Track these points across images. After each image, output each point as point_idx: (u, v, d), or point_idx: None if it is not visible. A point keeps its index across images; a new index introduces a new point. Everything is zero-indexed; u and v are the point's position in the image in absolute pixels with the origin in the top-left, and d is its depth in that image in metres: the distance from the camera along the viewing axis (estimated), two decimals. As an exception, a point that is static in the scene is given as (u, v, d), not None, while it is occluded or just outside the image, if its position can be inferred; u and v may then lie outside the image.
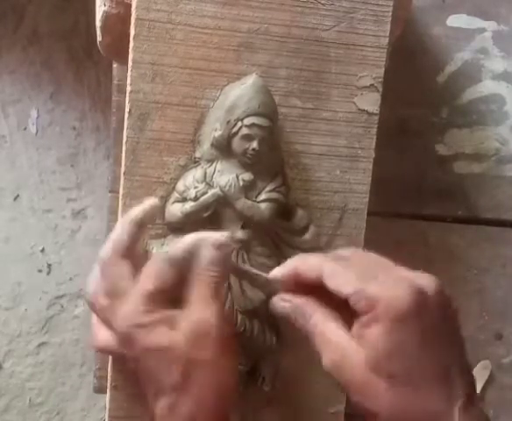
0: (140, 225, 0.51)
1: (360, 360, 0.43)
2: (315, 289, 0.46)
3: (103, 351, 0.56)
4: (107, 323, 0.52)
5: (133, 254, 0.51)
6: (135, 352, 0.48)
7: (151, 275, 0.49)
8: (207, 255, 0.49)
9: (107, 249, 0.51)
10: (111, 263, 0.51)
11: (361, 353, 0.43)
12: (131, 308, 0.49)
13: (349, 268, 0.45)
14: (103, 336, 0.54)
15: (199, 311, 0.48)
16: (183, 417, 0.47)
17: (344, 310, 0.44)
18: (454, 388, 0.42)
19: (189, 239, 0.50)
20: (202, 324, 0.48)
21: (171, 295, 0.49)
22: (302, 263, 0.48)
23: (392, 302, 0.42)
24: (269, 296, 0.55)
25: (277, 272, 0.49)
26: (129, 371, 0.55)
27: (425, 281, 0.45)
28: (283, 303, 0.48)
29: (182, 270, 0.49)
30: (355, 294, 0.43)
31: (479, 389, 0.82)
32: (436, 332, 0.43)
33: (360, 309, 0.43)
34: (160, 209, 0.54)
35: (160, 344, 0.47)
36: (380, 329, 0.42)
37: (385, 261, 0.47)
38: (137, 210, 0.51)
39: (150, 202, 0.52)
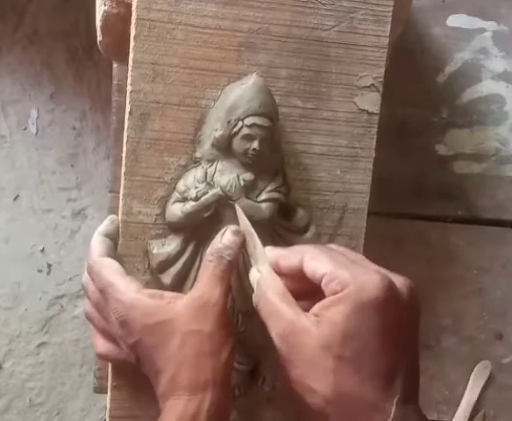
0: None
1: (311, 337, 0.43)
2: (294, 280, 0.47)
3: (104, 358, 0.57)
4: (104, 319, 0.53)
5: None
6: (134, 335, 0.49)
7: None
8: (224, 239, 0.50)
9: (91, 250, 0.53)
10: (96, 261, 0.52)
11: (313, 329, 0.43)
12: (122, 290, 0.50)
13: (329, 254, 0.46)
14: (102, 344, 0.55)
15: (204, 288, 0.50)
16: (183, 388, 0.48)
17: (317, 299, 0.45)
18: (395, 384, 0.43)
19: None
20: (204, 298, 0.49)
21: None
22: (283, 253, 0.49)
23: (361, 287, 0.43)
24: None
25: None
26: (129, 373, 0.55)
27: (399, 279, 0.45)
28: (256, 272, 0.49)
29: None
30: (328, 275, 0.44)
31: (479, 389, 0.82)
32: (395, 329, 0.44)
33: (330, 290, 0.44)
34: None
35: (159, 318, 0.49)
36: (342, 309, 0.42)
37: (364, 258, 0.48)
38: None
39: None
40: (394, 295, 0.43)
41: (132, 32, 0.52)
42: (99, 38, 0.58)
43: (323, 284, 0.44)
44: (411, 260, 0.80)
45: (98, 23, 0.57)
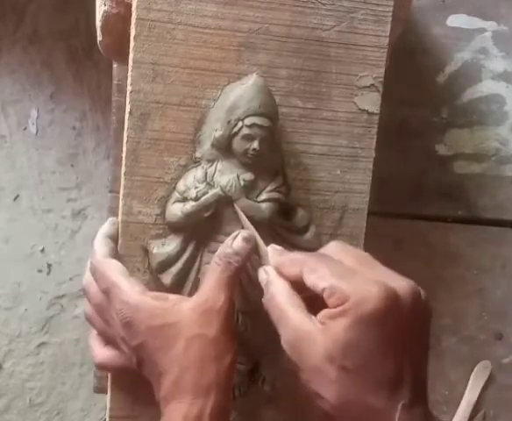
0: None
1: (317, 346, 0.44)
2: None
3: (104, 368, 0.57)
4: (105, 322, 0.52)
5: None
6: (138, 337, 0.49)
7: None
8: (234, 244, 0.50)
9: (94, 250, 0.53)
10: (100, 261, 0.52)
11: (319, 339, 0.44)
12: (127, 291, 0.50)
13: (328, 265, 0.46)
14: (101, 352, 0.54)
15: (210, 292, 0.50)
16: (186, 392, 0.48)
17: (318, 309, 0.45)
18: (400, 391, 0.43)
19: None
20: (210, 302, 0.49)
21: None
22: (283, 260, 0.49)
23: (361, 300, 0.43)
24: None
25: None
26: (129, 374, 0.55)
27: (402, 285, 0.45)
28: (263, 274, 0.49)
29: None
30: (328, 288, 0.44)
31: (479, 389, 0.82)
32: (397, 338, 0.44)
33: (331, 303, 0.44)
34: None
35: (164, 321, 0.49)
36: (343, 322, 0.43)
37: (368, 259, 0.48)
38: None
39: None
40: (394, 304, 0.43)
41: (132, 32, 0.52)
42: (99, 38, 0.58)
43: (324, 297, 0.44)
44: (411, 260, 0.80)
45: (98, 23, 0.57)
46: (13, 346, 0.92)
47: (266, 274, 0.49)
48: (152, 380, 0.51)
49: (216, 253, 0.51)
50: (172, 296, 0.52)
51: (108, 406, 0.59)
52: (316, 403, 0.45)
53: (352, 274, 0.45)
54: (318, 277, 0.45)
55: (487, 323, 0.83)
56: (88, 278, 0.54)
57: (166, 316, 0.49)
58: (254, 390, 0.58)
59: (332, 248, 0.49)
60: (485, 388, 0.82)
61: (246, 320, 0.55)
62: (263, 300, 0.48)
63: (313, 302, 0.46)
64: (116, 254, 0.54)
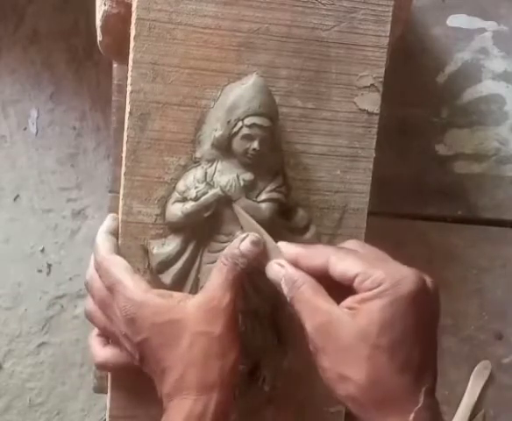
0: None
1: (347, 327, 0.45)
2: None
3: (103, 368, 0.57)
4: (107, 318, 0.52)
5: None
6: (142, 333, 0.49)
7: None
8: (242, 246, 0.50)
9: (97, 247, 0.53)
10: (104, 258, 0.52)
11: (349, 320, 0.45)
12: (132, 288, 0.50)
13: (356, 255, 0.48)
14: (101, 351, 0.54)
15: (215, 291, 0.50)
16: (191, 388, 0.49)
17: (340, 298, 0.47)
18: (425, 375, 0.45)
19: None
20: (215, 301, 0.50)
21: None
22: (305, 252, 0.50)
23: (397, 282, 0.45)
24: (270, 296, 0.55)
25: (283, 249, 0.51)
26: (129, 374, 0.55)
27: (425, 276, 0.48)
28: (278, 267, 0.50)
29: None
30: (361, 274, 0.46)
31: (479, 389, 0.82)
32: (426, 322, 0.46)
33: (364, 287, 0.45)
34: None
35: (169, 317, 0.49)
36: (379, 303, 0.45)
37: (385, 256, 0.50)
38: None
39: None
40: (426, 289, 0.46)
41: (132, 32, 0.52)
42: (99, 38, 0.58)
43: (356, 283, 0.46)
44: (411, 261, 0.80)
45: (98, 23, 0.57)
46: (13, 346, 0.92)
47: (282, 267, 0.49)
48: (154, 376, 0.51)
49: (223, 253, 0.51)
50: (176, 294, 0.52)
51: (108, 406, 0.59)
52: (342, 390, 0.46)
53: (380, 263, 0.47)
54: (349, 265, 0.47)
55: (487, 323, 0.83)
56: (91, 274, 0.54)
57: (170, 312, 0.50)
58: (254, 390, 0.58)
59: (350, 245, 0.51)
60: (485, 389, 0.82)
61: (246, 320, 0.55)
62: (285, 290, 0.49)
63: (331, 293, 0.48)
64: (118, 251, 0.54)
